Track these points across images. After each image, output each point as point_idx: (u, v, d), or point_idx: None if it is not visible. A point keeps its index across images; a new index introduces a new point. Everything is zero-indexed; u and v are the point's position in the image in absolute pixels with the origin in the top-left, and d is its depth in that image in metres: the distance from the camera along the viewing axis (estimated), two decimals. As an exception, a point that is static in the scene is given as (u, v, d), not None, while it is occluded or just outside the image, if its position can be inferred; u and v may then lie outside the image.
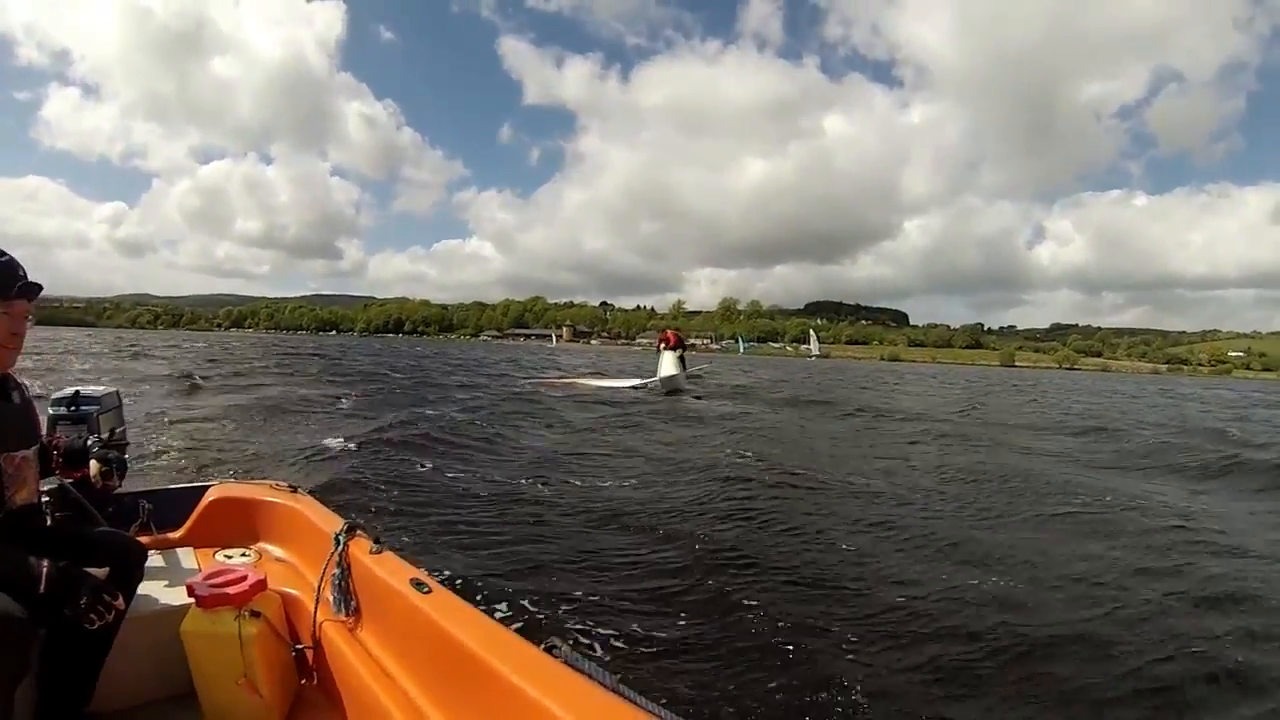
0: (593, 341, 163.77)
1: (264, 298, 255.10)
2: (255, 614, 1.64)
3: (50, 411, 2.29)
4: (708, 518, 4.90)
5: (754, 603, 3.34)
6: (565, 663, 1.15)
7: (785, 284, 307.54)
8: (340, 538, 1.72)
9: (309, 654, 1.74)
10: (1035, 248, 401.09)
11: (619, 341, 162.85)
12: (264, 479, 2.47)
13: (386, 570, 1.58)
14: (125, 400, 2.76)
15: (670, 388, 16.08)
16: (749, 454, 7.88)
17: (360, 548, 1.69)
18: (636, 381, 18.18)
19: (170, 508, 2.30)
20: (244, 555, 2.14)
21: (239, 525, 2.23)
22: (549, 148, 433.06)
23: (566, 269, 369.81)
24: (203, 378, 15.32)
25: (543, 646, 1.21)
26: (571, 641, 1.17)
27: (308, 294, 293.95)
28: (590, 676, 1.11)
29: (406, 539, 3.98)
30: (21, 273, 1.52)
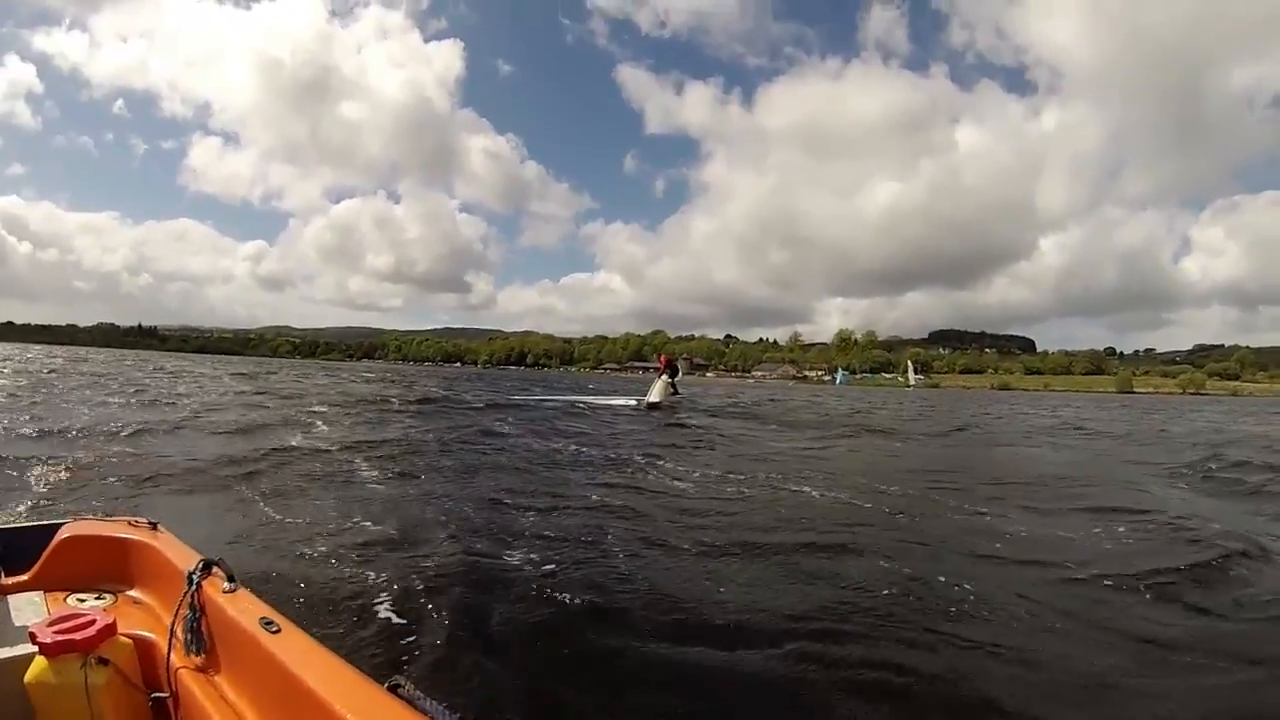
0: (708, 374, 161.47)
1: (395, 330, 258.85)
2: (104, 661, 1.54)
3: None
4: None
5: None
6: (407, 700, 1.20)
7: (917, 312, 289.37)
8: (194, 576, 1.67)
9: (169, 703, 1.63)
10: (1183, 260, 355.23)
11: (734, 373, 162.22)
12: (122, 516, 2.32)
13: (238, 609, 1.56)
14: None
15: (655, 406, 19.94)
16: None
17: (215, 586, 1.65)
18: (634, 400, 21.72)
19: (20, 548, 2.16)
20: (99, 598, 2.01)
21: (94, 566, 2.11)
22: (673, 177, 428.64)
23: (696, 301, 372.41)
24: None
25: (386, 685, 1.24)
26: (414, 678, 1.24)
27: (438, 327, 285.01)
28: (431, 716, 1.16)
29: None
30: None
